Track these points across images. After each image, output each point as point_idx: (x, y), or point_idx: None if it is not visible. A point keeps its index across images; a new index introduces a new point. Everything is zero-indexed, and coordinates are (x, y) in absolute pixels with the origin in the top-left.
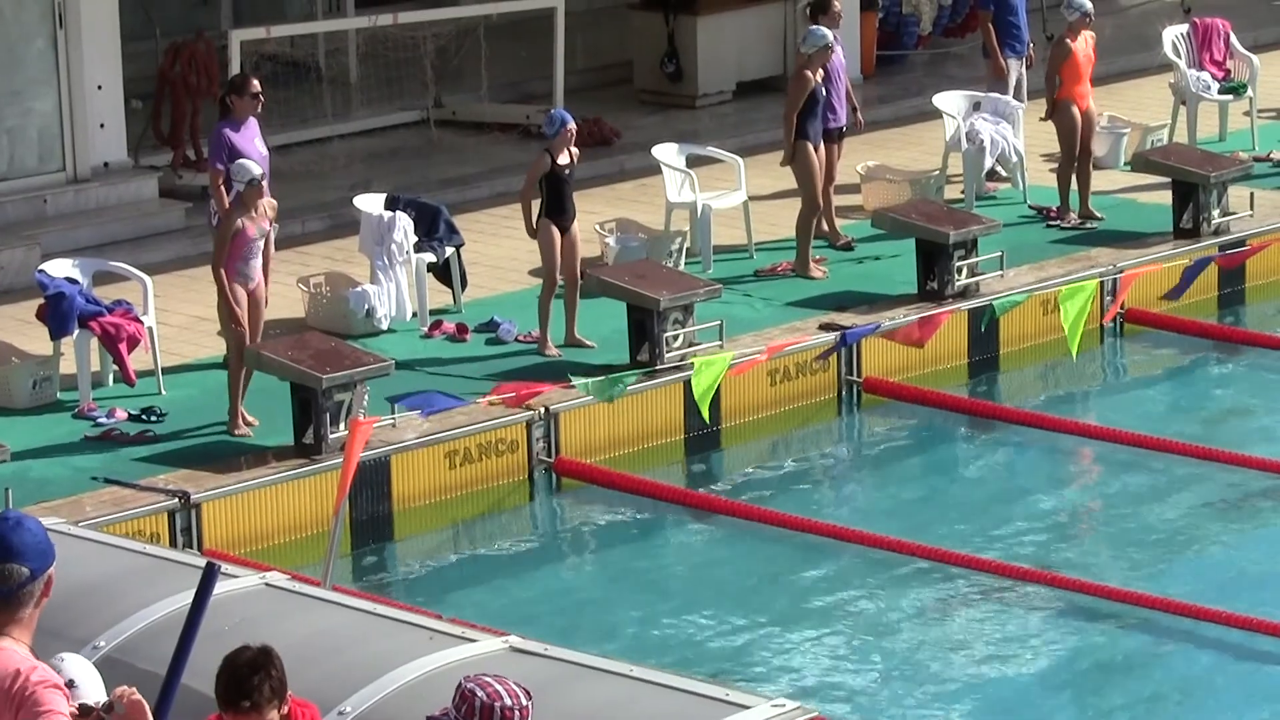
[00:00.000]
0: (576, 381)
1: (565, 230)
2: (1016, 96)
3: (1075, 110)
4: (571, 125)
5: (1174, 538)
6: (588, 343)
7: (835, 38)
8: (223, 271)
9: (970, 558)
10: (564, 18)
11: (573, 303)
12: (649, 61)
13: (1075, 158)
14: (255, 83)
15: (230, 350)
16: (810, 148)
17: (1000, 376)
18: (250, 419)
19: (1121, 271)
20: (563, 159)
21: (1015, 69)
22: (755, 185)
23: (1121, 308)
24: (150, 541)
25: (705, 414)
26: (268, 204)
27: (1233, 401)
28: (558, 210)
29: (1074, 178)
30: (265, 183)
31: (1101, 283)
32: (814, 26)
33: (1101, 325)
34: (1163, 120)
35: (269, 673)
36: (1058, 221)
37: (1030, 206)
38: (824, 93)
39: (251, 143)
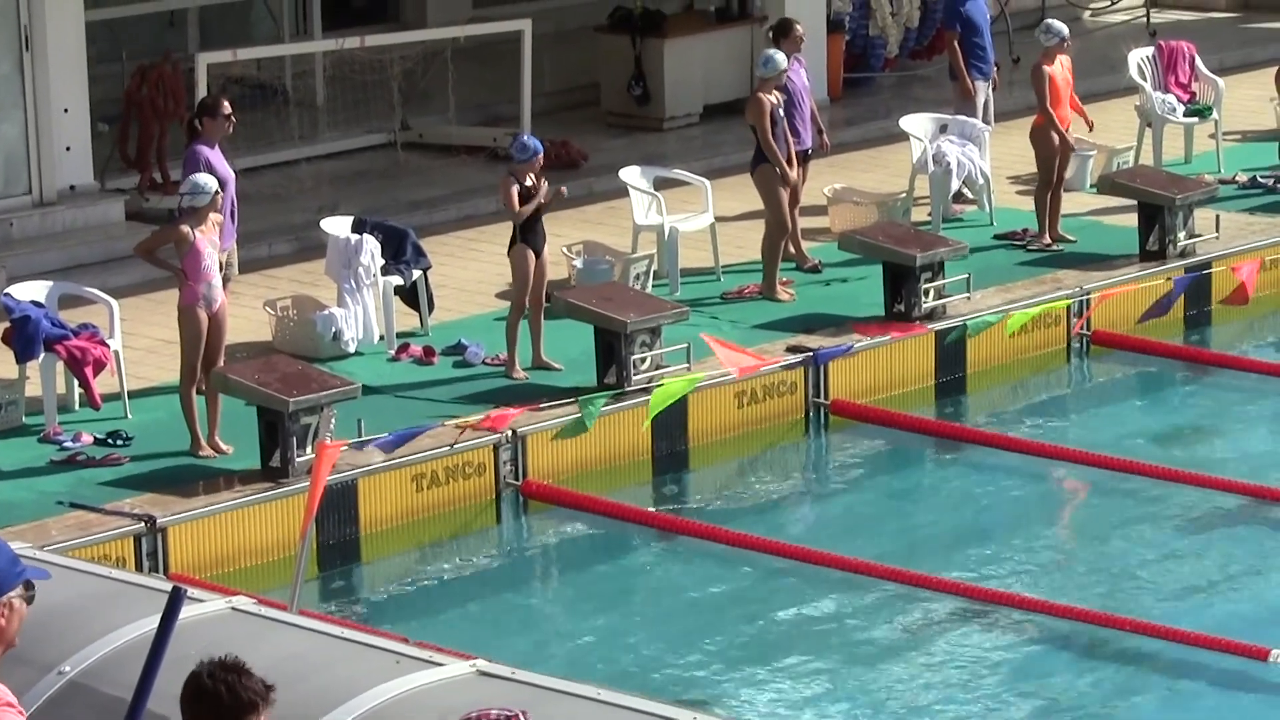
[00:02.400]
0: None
1: (537, 254)
2: (984, 119)
3: (1055, 135)
4: (540, 155)
5: (1141, 558)
6: (555, 365)
7: (799, 60)
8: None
9: (938, 580)
10: (531, 41)
11: (537, 325)
12: (616, 84)
13: (1053, 183)
14: (226, 104)
15: (182, 371)
16: (775, 171)
17: (967, 398)
18: (224, 447)
19: (1089, 294)
20: (528, 182)
21: (982, 90)
22: (722, 208)
23: (1087, 328)
24: (116, 566)
25: (647, 424)
26: (215, 220)
27: (1199, 422)
28: (530, 233)
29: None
30: (220, 197)
31: (1069, 304)
32: (770, 52)
33: (1069, 345)
34: (1128, 143)
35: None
36: (1023, 243)
37: (995, 238)
38: (782, 115)
39: (223, 163)
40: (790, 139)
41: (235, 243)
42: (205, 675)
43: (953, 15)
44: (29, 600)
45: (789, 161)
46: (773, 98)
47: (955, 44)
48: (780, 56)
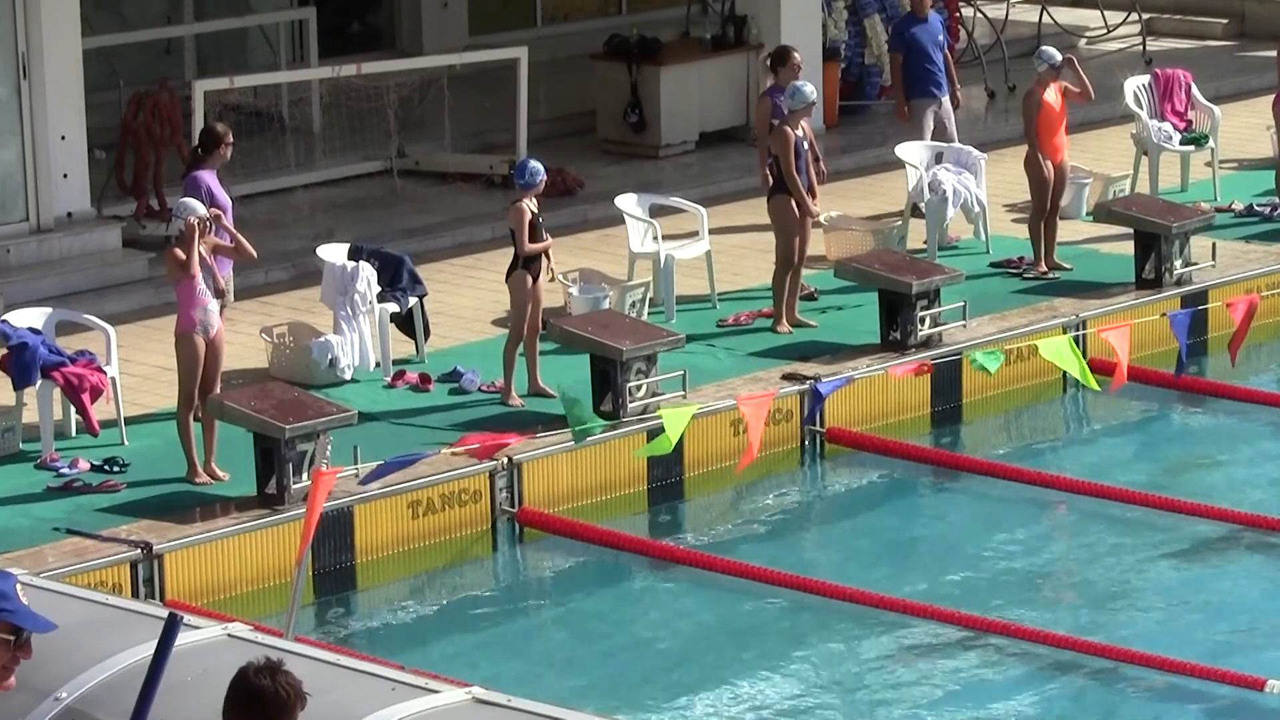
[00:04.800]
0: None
1: (535, 280)
2: (945, 140)
3: (1048, 164)
4: (544, 180)
5: (1137, 587)
6: (551, 392)
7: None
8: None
9: (933, 609)
10: (527, 68)
11: (533, 352)
12: (612, 112)
13: (1046, 210)
14: (229, 131)
15: (179, 398)
16: (790, 202)
17: (963, 427)
18: (220, 474)
19: (1084, 322)
20: (534, 207)
21: (930, 112)
22: (718, 235)
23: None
24: (112, 592)
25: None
26: (211, 243)
27: (1194, 451)
28: (531, 260)
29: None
30: (206, 222)
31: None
32: (798, 84)
33: (1064, 374)
34: (1125, 171)
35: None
36: (1019, 271)
37: (991, 265)
38: (806, 149)
39: (221, 190)
40: (812, 173)
41: (232, 269)
42: (253, 674)
43: (897, 38)
44: (8, 645)
45: (811, 193)
46: (799, 131)
47: (899, 66)
48: (808, 88)
